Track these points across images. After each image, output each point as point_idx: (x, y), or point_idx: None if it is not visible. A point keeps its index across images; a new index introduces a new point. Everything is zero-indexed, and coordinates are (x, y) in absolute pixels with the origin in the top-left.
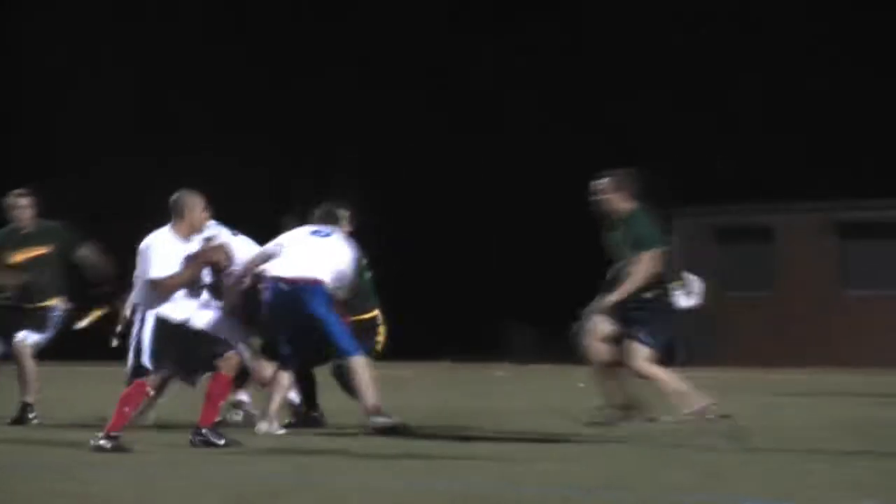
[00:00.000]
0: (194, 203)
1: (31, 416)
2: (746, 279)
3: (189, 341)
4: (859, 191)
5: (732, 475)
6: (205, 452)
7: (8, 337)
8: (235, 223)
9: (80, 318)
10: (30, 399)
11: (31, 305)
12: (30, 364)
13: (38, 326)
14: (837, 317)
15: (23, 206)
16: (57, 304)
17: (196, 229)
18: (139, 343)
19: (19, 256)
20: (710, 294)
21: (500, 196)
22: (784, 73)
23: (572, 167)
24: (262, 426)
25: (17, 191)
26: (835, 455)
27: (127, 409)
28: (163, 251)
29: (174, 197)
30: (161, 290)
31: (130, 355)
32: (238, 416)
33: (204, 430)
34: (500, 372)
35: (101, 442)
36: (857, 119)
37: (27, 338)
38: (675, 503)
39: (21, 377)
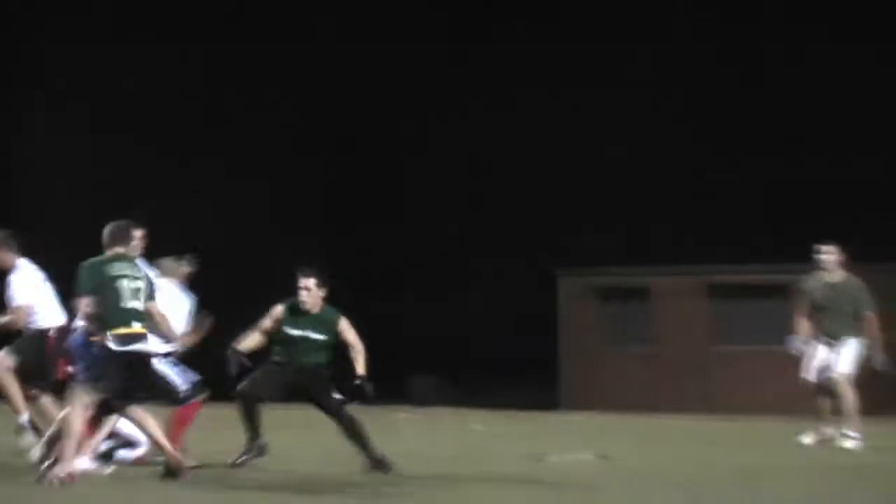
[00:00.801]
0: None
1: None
2: (626, 336)
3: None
4: (728, 256)
5: None
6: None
7: None
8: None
9: None
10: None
11: None
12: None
13: None
14: (710, 373)
15: None
16: None
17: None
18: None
19: None
20: (590, 347)
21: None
22: (651, 146)
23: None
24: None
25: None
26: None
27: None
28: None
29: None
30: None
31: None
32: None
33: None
34: (403, 414)
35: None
36: (722, 191)
37: None
38: None
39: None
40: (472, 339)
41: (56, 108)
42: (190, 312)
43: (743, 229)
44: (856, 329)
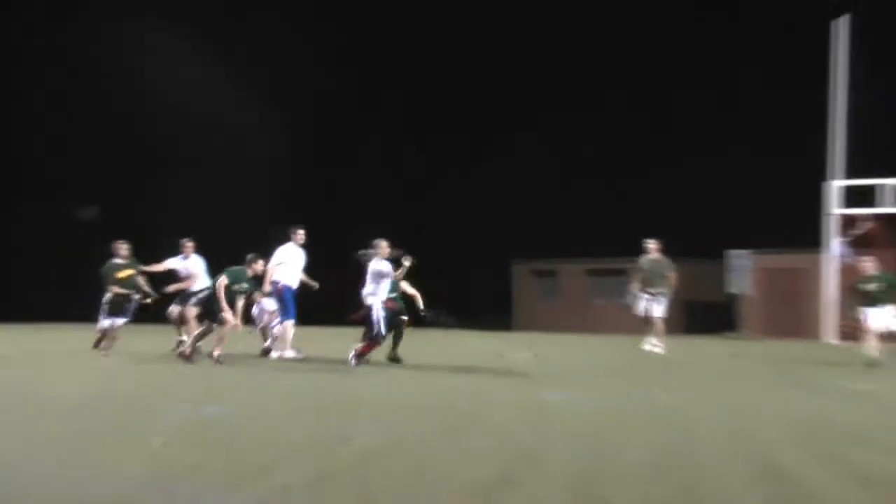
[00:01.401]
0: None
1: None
2: (549, 296)
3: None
4: (596, 253)
5: None
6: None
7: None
8: None
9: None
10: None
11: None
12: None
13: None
14: (588, 314)
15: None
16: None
17: None
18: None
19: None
20: (528, 301)
21: None
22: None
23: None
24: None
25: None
26: None
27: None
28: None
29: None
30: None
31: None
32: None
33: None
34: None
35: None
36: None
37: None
38: None
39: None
40: (470, 295)
41: None
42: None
43: (601, 238)
44: (665, 286)
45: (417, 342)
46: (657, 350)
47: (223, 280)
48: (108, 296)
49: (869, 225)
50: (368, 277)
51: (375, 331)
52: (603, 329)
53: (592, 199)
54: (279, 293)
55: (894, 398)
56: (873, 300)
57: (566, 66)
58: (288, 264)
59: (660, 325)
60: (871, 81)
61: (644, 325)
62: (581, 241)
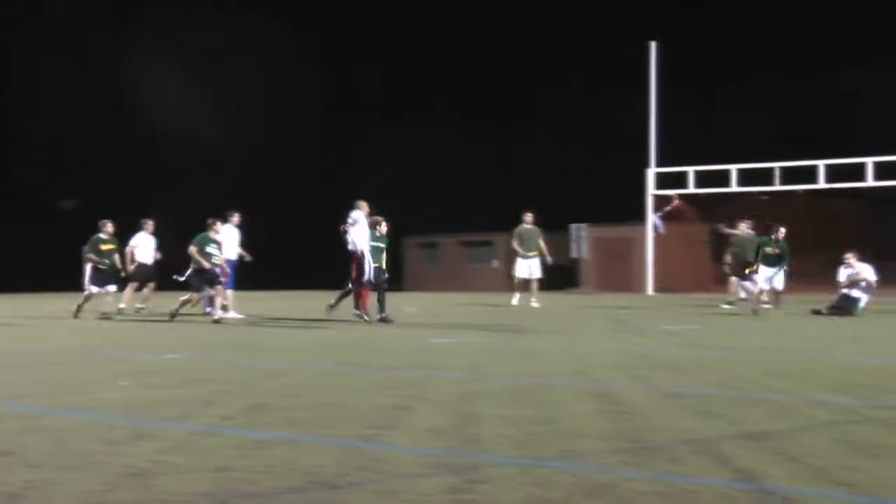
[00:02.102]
0: None
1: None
2: (432, 263)
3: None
4: (469, 228)
5: None
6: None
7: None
8: None
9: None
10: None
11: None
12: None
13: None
14: (463, 276)
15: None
16: None
17: None
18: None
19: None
20: (416, 267)
21: None
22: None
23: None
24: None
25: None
26: None
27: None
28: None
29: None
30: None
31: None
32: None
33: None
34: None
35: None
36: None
37: None
38: None
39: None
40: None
41: None
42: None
43: (472, 215)
44: (539, 251)
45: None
46: (535, 305)
47: (193, 247)
48: (90, 266)
49: (677, 203)
50: (353, 232)
51: (366, 276)
52: (475, 288)
53: (465, 184)
54: (223, 265)
55: (694, 336)
56: (768, 260)
57: (432, 60)
58: (226, 242)
59: (535, 286)
60: (676, 91)
61: (523, 285)
62: (456, 218)
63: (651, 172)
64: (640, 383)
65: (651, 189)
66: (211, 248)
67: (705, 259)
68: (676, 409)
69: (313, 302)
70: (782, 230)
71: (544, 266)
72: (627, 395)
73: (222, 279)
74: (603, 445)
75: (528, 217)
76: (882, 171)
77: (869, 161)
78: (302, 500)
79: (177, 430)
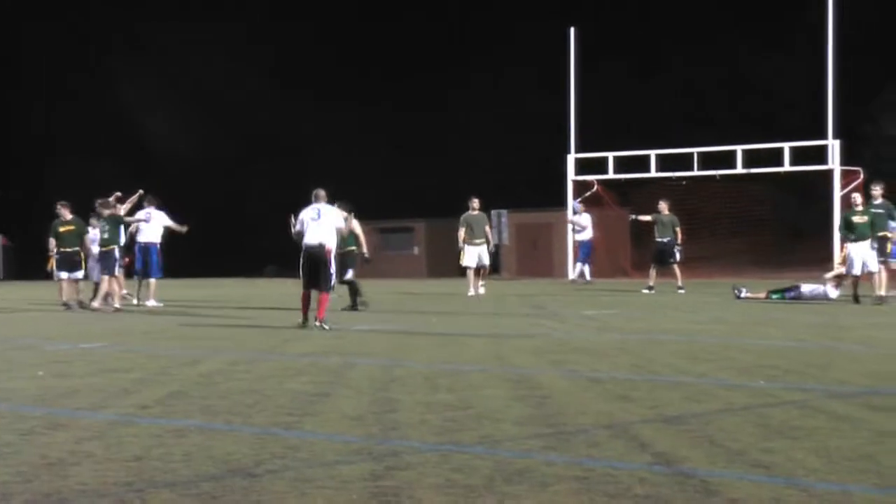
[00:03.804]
0: None
1: None
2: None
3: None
4: (389, 214)
5: None
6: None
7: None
8: None
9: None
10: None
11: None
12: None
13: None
14: (382, 263)
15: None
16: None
17: None
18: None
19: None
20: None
21: None
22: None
23: None
24: None
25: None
26: None
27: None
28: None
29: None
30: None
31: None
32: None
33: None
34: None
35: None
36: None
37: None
38: None
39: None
40: (290, 251)
41: None
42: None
43: (389, 203)
44: (485, 237)
45: (248, 289)
46: (482, 290)
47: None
48: (55, 251)
49: (596, 188)
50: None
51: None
52: (395, 276)
53: (382, 170)
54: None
55: (613, 321)
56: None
57: (342, 43)
58: (151, 226)
59: (484, 272)
60: (595, 77)
61: (474, 273)
62: (374, 205)
63: (571, 158)
64: (559, 368)
65: (571, 175)
66: (97, 233)
67: (625, 244)
68: (595, 393)
69: (228, 289)
70: None
71: (491, 253)
72: (546, 381)
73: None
74: (522, 430)
75: (475, 203)
76: (798, 155)
77: (786, 146)
78: (219, 487)
79: (93, 420)
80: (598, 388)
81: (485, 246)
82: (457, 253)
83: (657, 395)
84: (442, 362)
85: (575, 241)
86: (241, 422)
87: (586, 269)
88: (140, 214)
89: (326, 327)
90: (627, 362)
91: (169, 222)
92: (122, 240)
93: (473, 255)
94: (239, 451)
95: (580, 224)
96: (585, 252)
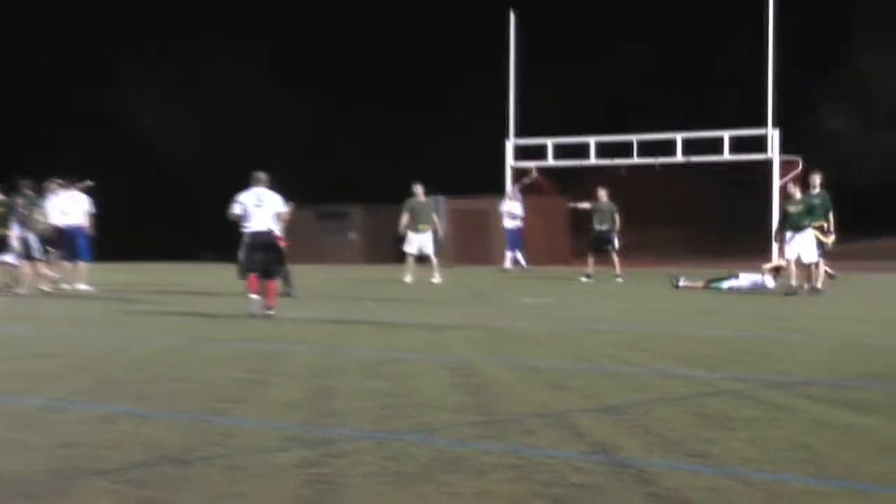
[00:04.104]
0: None
1: None
2: (285, 235)
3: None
4: (325, 199)
5: None
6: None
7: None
8: None
9: None
10: None
11: None
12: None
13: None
14: (317, 248)
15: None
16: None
17: None
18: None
19: None
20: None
21: None
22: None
23: None
24: None
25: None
26: None
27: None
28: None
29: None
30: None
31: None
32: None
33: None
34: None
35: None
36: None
37: None
38: None
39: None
40: (227, 235)
41: None
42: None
43: (327, 189)
44: (432, 224)
45: (184, 274)
46: (436, 280)
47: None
48: None
49: (536, 175)
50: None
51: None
52: (330, 261)
53: (318, 155)
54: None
55: (550, 310)
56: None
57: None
58: (73, 208)
59: (434, 261)
60: (535, 62)
61: (415, 261)
62: (310, 189)
63: (510, 144)
64: (496, 357)
65: (510, 161)
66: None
67: (564, 232)
68: (531, 382)
69: (163, 274)
70: None
71: (436, 240)
72: (483, 369)
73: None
74: (458, 418)
75: (419, 189)
76: (738, 145)
77: (725, 134)
78: (149, 474)
79: (22, 406)
80: (535, 377)
81: (429, 234)
82: (395, 239)
83: (594, 384)
84: (379, 350)
85: (507, 229)
86: (172, 408)
87: (519, 255)
88: (60, 197)
89: (272, 314)
90: (565, 351)
91: (86, 206)
92: (15, 227)
93: (415, 242)
94: (170, 437)
95: (513, 212)
96: (514, 240)
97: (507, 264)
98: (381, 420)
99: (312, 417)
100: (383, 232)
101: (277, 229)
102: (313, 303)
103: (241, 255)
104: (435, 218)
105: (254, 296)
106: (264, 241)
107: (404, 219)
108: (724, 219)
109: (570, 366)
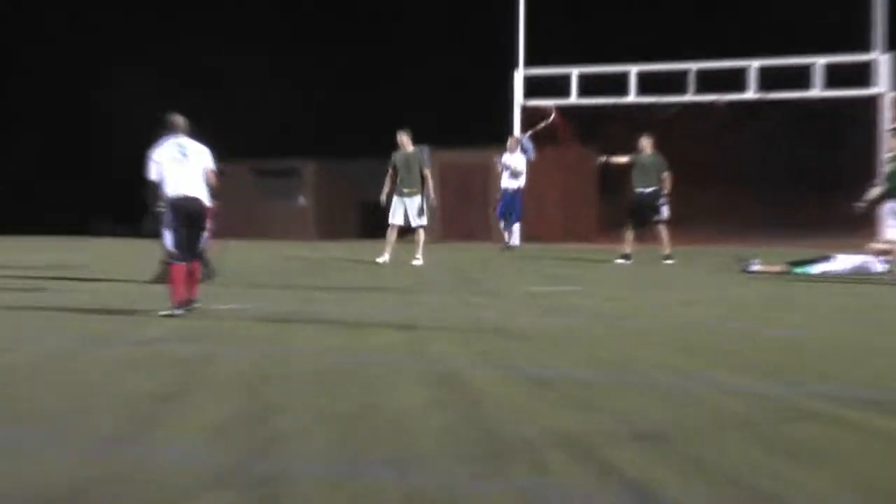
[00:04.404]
0: None
1: None
2: (213, 199)
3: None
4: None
5: None
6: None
7: None
8: None
9: None
10: None
11: None
12: None
13: None
14: (256, 217)
15: None
16: None
17: None
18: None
19: None
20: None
21: None
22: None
23: None
24: None
25: None
26: None
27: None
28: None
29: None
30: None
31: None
32: None
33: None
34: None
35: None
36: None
37: None
38: None
39: None
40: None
41: None
42: None
43: (277, 136)
44: (419, 185)
45: (82, 253)
46: (417, 262)
47: None
48: None
49: (555, 117)
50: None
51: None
52: (274, 235)
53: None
54: None
55: (568, 300)
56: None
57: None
58: None
59: (421, 235)
60: None
61: (396, 234)
62: (248, 138)
63: (519, 76)
64: (494, 363)
65: (519, 99)
66: None
67: (590, 197)
68: (541, 398)
69: (55, 253)
70: None
71: (428, 206)
72: (476, 380)
73: None
74: (443, 447)
75: (406, 138)
76: (833, 76)
77: (817, 61)
78: None
79: None
80: (547, 392)
81: (418, 198)
82: (362, 206)
83: (628, 401)
84: (338, 354)
85: (503, 190)
86: (59, 434)
87: (516, 228)
88: None
89: (197, 306)
90: (587, 356)
91: None
92: None
93: (399, 209)
94: (53, 474)
95: (517, 168)
96: (509, 205)
97: (514, 241)
98: (341, 449)
99: (248, 446)
100: (344, 196)
101: (206, 195)
102: (249, 292)
103: (168, 234)
104: (427, 174)
105: (177, 310)
106: (190, 211)
107: (386, 180)
108: (811, 179)
109: (595, 376)
